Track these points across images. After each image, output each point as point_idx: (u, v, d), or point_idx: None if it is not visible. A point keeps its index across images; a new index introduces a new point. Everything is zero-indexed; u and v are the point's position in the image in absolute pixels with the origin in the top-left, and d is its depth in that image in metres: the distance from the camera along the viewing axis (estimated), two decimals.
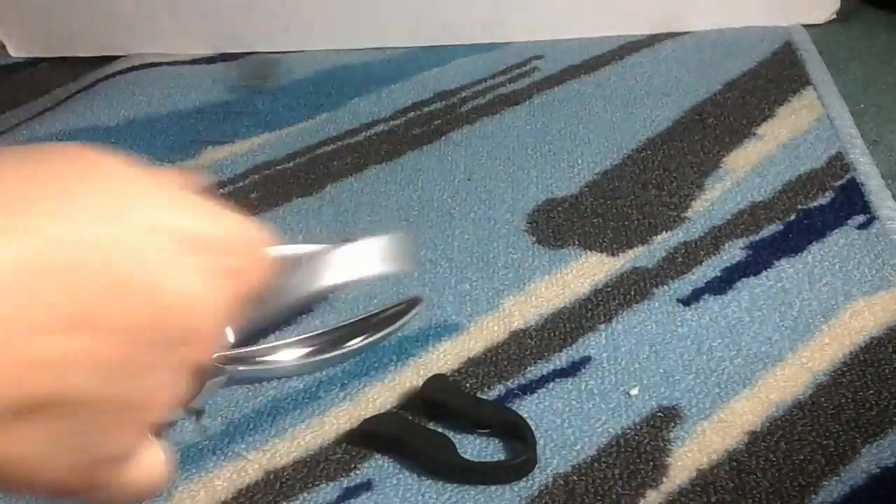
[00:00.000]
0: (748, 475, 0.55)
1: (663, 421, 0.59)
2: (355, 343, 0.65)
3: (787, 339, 0.64)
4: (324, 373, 0.65)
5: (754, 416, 0.59)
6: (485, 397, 0.61)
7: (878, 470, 0.55)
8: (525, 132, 0.89)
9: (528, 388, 0.62)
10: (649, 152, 0.85)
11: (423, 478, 0.57)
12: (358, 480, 0.57)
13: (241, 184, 0.86)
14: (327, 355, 0.64)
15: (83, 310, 0.24)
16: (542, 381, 0.62)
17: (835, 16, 1.05)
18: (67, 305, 0.24)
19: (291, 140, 0.91)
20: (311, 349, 0.64)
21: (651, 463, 0.56)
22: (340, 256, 0.44)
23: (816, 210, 0.76)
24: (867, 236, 0.72)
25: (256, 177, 0.87)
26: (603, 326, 0.66)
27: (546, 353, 0.64)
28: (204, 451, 0.60)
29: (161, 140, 0.92)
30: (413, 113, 0.93)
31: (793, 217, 0.75)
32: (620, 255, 0.73)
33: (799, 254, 0.71)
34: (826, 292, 0.67)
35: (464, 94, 0.96)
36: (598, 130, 0.88)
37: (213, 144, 0.91)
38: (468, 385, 0.62)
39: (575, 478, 0.56)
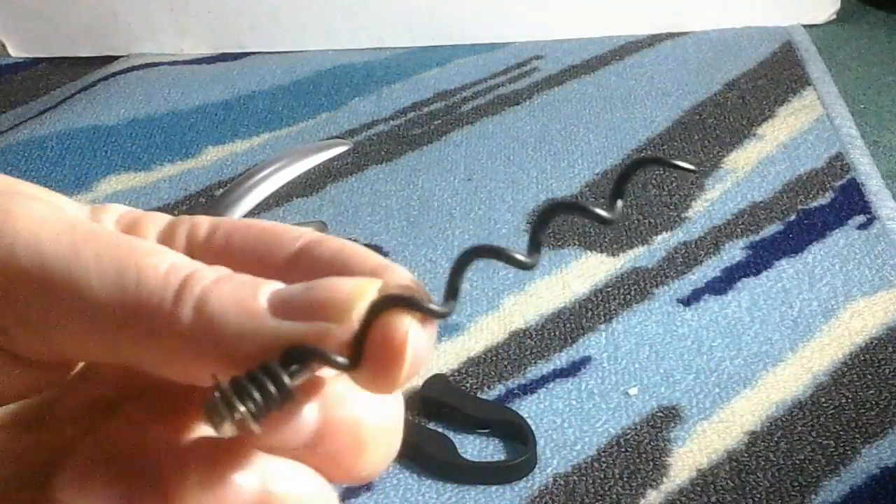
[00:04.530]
0: (748, 475, 0.55)
1: (663, 421, 0.59)
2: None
3: (787, 339, 0.64)
4: None
5: (754, 416, 0.59)
6: (485, 397, 0.61)
7: (878, 470, 0.55)
8: (525, 132, 0.89)
9: (528, 388, 0.62)
10: (649, 152, 0.85)
11: (423, 478, 0.57)
12: None
13: None
14: None
15: None
16: (542, 381, 0.62)
17: (835, 16, 1.05)
18: None
19: (291, 140, 0.91)
20: None
21: (651, 463, 0.56)
22: None
23: (816, 210, 0.76)
24: (867, 236, 0.72)
25: None
26: (603, 326, 0.66)
27: (546, 353, 0.64)
28: None
29: (161, 140, 0.92)
30: (413, 113, 0.93)
31: (793, 217, 0.75)
32: (620, 255, 0.73)
33: (799, 254, 0.71)
34: (826, 292, 0.67)
35: (464, 94, 0.96)
36: (598, 130, 0.88)
37: (213, 144, 0.91)
38: (468, 385, 0.62)
39: (575, 478, 0.56)
